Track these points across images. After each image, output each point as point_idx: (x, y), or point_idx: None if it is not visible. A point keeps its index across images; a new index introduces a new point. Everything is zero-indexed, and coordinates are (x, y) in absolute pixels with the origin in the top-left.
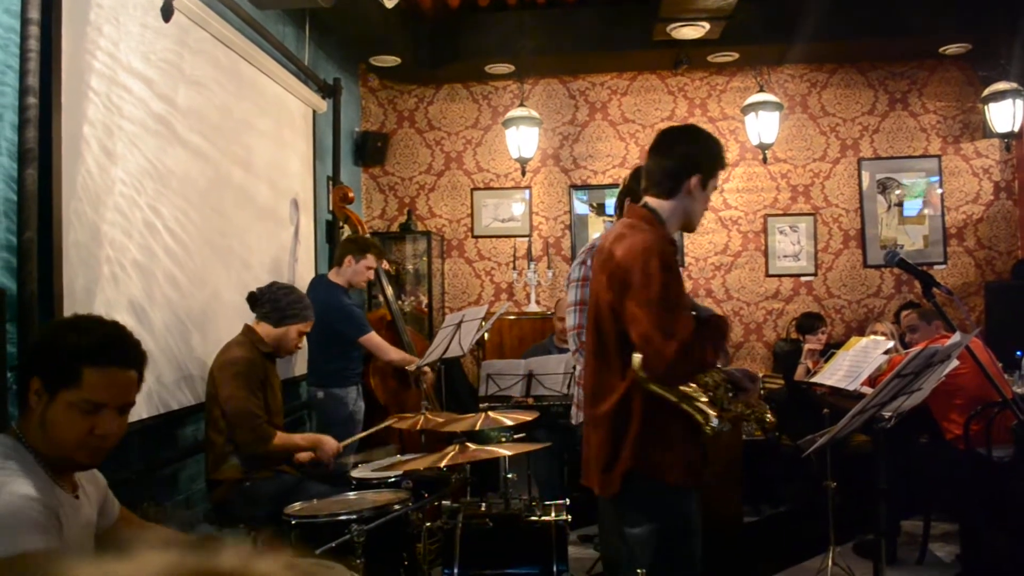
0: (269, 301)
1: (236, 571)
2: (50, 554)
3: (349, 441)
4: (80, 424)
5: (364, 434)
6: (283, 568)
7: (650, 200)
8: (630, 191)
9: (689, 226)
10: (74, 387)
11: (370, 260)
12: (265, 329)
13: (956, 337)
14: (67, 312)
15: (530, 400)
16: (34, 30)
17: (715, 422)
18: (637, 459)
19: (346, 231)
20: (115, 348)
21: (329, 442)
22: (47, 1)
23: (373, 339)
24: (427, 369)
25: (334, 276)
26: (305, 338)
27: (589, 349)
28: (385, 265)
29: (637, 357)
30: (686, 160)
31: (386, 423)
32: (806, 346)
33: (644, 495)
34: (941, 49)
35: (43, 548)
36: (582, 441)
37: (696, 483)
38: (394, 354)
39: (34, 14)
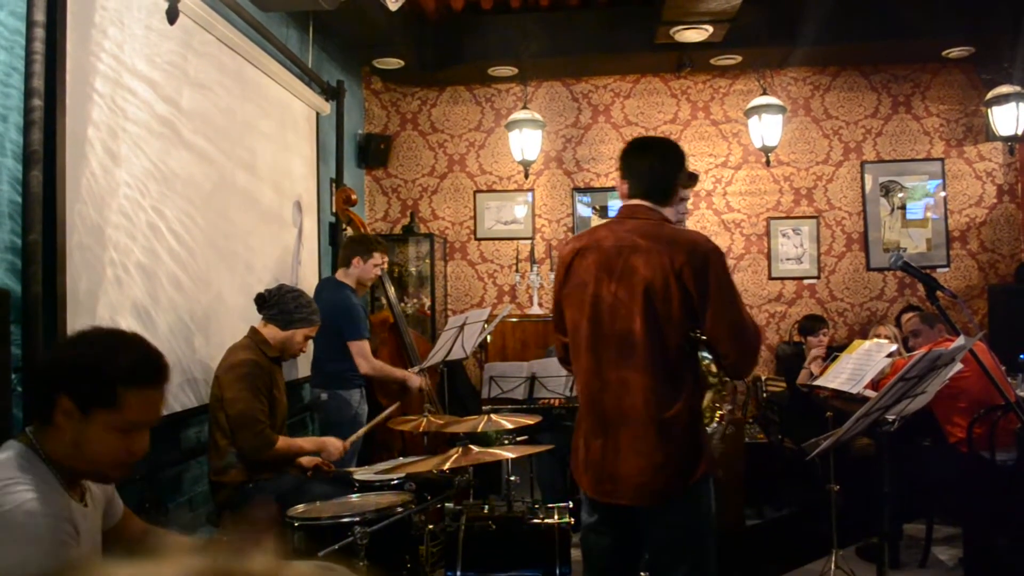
0: (277, 304)
1: (266, 575)
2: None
3: (353, 439)
4: (118, 445)
5: (367, 428)
6: (311, 572)
7: (652, 205)
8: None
9: None
10: (113, 409)
11: (377, 258)
12: (272, 331)
13: (960, 340)
14: (71, 314)
15: (561, 401)
16: (39, 32)
17: (716, 423)
18: (708, 460)
19: (349, 233)
20: (151, 369)
21: (333, 443)
22: (52, 3)
23: (362, 346)
24: (415, 382)
25: (342, 277)
26: (310, 340)
27: (640, 347)
28: (385, 263)
29: (705, 355)
30: (681, 168)
31: (387, 412)
32: (812, 351)
33: (705, 494)
34: (944, 52)
35: (77, 565)
36: (605, 445)
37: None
38: (376, 368)
39: (39, 16)
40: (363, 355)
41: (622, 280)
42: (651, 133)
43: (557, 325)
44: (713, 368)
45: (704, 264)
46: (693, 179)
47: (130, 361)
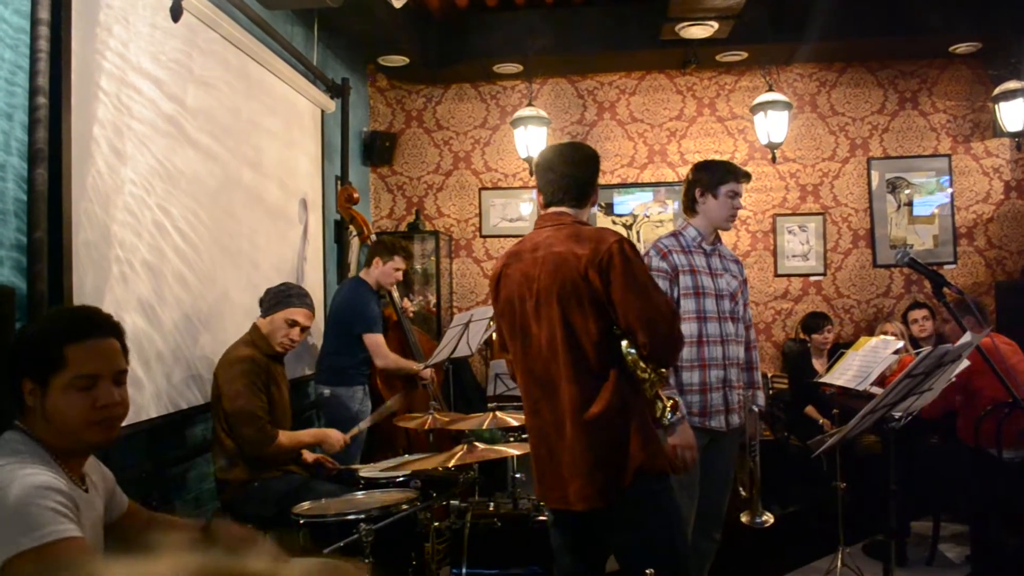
0: (265, 298)
1: (265, 574)
2: (85, 546)
3: (354, 431)
4: (80, 402)
5: (369, 421)
6: (308, 571)
7: (567, 209)
8: (697, 182)
9: None
10: (62, 369)
11: (398, 262)
12: (260, 323)
13: (967, 337)
14: None
15: None
16: (44, 31)
17: (670, 413)
18: (643, 454)
19: (353, 232)
20: (88, 321)
21: (334, 435)
22: (57, 1)
23: (376, 340)
24: (425, 373)
25: (364, 275)
26: (317, 335)
27: (561, 352)
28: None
29: (624, 344)
30: (595, 171)
31: (388, 404)
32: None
33: (650, 490)
34: (951, 48)
35: (77, 535)
36: (550, 454)
37: (674, 470)
38: (391, 360)
39: (44, 14)
40: (378, 349)
41: (540, 288)
42: (656, 130)
43: (501, 344)
44: (642, 363)
45: (608, 259)
46: (746, 177)
47: (66, 321)
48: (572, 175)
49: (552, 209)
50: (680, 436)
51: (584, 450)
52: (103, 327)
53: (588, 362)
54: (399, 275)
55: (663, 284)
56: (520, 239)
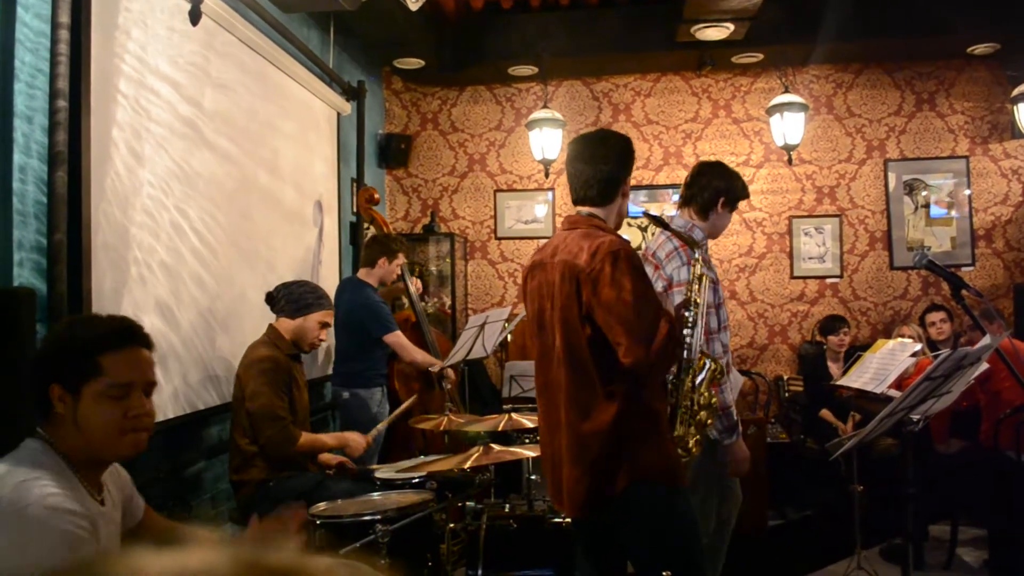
0: (284, 296)
1: (292, 568)
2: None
3: (374, 433)
4: (113, 411)
5: (388, 421)
6: (337, 566)
7: (588, 208)
8: (726, 191)
9: (620, 227)
10: (97, 377)
11: (400, 259)
12: (284, 324)
13: (986, 339)
14: (96, 312)
15: None
16: (64, 34)
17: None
18: (642, 467)
19: (371, 232)
20: (125, 331)
21: (355, 438)
22: (76, 5)
23: (399, 338)
24: (449, 371)
25: (364, 275)
26: (331, 334)
27: (565, 362)
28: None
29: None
30: (620, 163)
31: (407, 405)
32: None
33: (650, 502)
34: (969, 49)
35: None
36: (552, 458)
37: (684, 482)
38: (418, 355)
39: (64, 18)
40: (404, 348)
41: (552, 295)
42: (672, 132)
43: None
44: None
45: (599, 268)
46: (744, 194)
47: (102, 328)
48: (590, 172)
49: (576, 210)
50: (738, 452)
51: (576, 459)
52: (138, 337)
53: (587, 373)
54: (399, 269)
55: (709, 294)
56: (548, 240)
